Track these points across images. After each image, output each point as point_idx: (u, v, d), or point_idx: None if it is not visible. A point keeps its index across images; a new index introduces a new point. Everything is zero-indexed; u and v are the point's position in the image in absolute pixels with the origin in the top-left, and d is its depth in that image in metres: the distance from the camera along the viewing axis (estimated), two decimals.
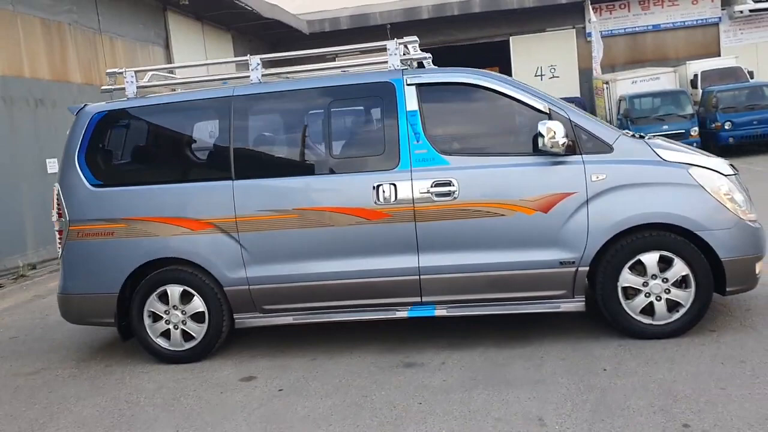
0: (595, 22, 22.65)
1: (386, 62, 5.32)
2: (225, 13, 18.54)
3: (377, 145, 5.18)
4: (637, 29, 23.95)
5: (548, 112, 4.99)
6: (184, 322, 5.42)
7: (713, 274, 4.88)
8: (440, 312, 5.16)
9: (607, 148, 4.96)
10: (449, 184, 5.00)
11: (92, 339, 6.30)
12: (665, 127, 18.30)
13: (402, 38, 5.40)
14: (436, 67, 5.49)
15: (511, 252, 5.01)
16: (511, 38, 24.10)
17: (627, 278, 4.94)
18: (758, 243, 4.97)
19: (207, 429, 4.20)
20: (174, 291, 5.40)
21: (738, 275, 4.92)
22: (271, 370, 5.10)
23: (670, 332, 4.94)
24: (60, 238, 5.54)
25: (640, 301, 4.95)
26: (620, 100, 19.89)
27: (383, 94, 5.17)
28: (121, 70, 5.62)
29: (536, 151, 4.90)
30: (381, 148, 5.15)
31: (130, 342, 5.62)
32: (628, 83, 20.40)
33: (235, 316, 5.39)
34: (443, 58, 26.02)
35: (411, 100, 5.13)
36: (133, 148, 5.68)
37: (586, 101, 23.17)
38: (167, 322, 5.44)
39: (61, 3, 12.51)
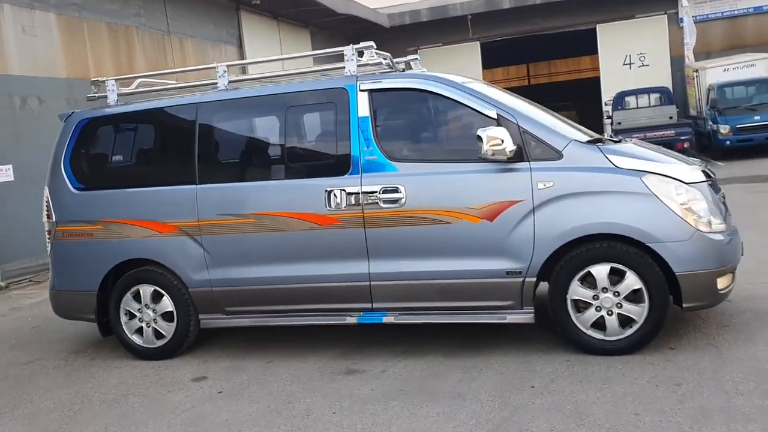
0: (687, 6, 21.39)
1: (376, 64, 5.33)
2: (301, 10, 18.90)
3: (330, 151, 5.21)
4: (736, 12, 22.41)
5: (496, 117, 4.84)
6: (155, 321, 5.66)
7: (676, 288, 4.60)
8: (388, 319, 5.13)
9: (556, 155, 4.75)
10: (397, 190, 4.95)
11: (95, 332, 6.67)
12: (757, 117, 17.17)
13: (358, 44, 5.36)
14: (415, 70, 5.46)
15: (458, 260, 4.91)
16: (597, 26, 23.14)
17: (577, 291, 4.73)
18: (720, 256, 4.62)
19: (131, 428, 4.38)
20: (146, 290, 5.65)
21: (695, 290, 4.60)
22: (225, 371, 5.24)
23: (622, 348, 4.69)
24: (48, 238, 5.92)
25: (591, 315, 4.73)
26: (709, 89, 18.76)
27: (337, 100, 5.17)
28: (103, 79, 5.91)
29: (482, 157, 4.76)
30: (334, 153, 5.16)
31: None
32: (719, 71, 19.15)
33: (201, 316, 5.57)
34: (526, 48, 25.67)
35: (363, 106, 5.10)
36: (111, 153, 5.97)
37: (677, 90, 22.01)
38: (140, 320, 5.70)
39: (129, 8, 13.20)
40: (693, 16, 21.89)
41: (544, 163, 4.75)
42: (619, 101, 20.45)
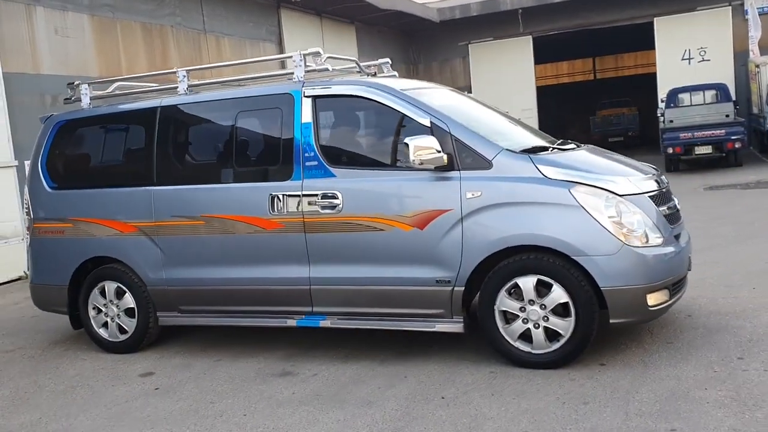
0: None
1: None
2: (346, 6, 19.03)
3: (275, 156, 5.29)
4: None
5: (430, 126, 4.82)
6: (119, 316, 5.89)
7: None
8: (325, 324, 5.20)
9: (486, 164, 4.69)
10: (334, 197, 5.00)
11: None
12: None
13: (306, 50, 5.42)
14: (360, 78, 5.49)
15: (391, 267, 4.92)
16: (655, 19, 22.29)
17: (504, 302, 4.67)
18: (651, 272, 4.48)
19: (61, 420, 4.59)
20: (110, 287, 5.89)
21: (622, 306, 4.48)
22: (174, 368, 5.41)
23: (548, 362, 4.61)
24: (27, 234, 6.24)
25: (518, 326, 4.66)
26: None
27: (284, 106, 5.25)
28: (78, 82, 6.17)
29: (410, 166, 4.75)
30: (278, 159, 5.25)
31: None
32: None
33: (159, 314, 5.77)
34: (579, 42, 24.97)
35: (306, 112, 5.17)
36: (80, 154, 6.23)
37: (741, 87, 21.07)
38: (106, 314, 5.94)
39: (164, 8, 13.62)
40: (758, 8, 20.89)
41: (473, 173, 4.71)
42: (672, 98, 19.71)
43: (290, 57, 5.43)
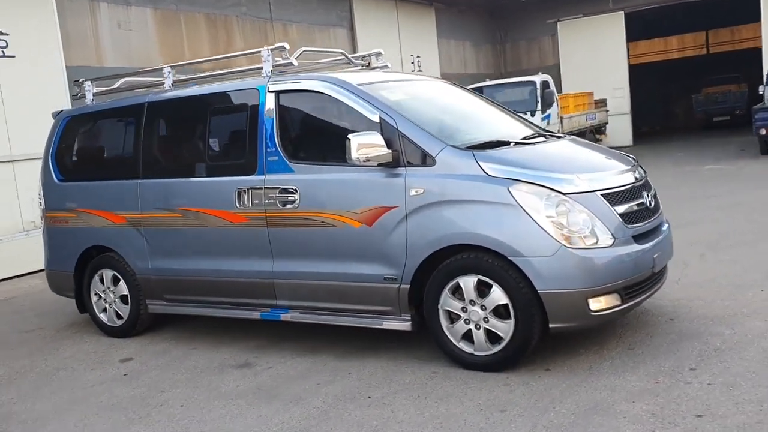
0: None
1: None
2: None
3: (242, 151, 5.37)
4: None
5: (378, 122, 4.75)
6: (115, 302, 6.20)
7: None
8: (286, 317, 5.27)
9: (430, 161, 4.58)
10: (292, 192, 5.04)
11: None
12: None
13: (273, 45, 5.44)
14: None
15: (343, 264, 4.92)
16: None
17: (447, 301, 4.57)
18: (593, 275, 4.23)
19: (28, 402, 4.89)
20: (107, 274, 6.21)
21: (560, 310, 4.27)
22: (151, 355, 5.64)
23: (489, 365, 4.47)
24: (42, 222, 6.67)
25: (460, 327, 4.55)
26: None
27: (251, 101, 5.33)
28: (82, 80, 6.50)
29: (353, 163, 4.70)
30: (244, 153, 5.33)
31: None
32: None
33: (147, 301, 6.02)
34: (687, 16, 23.38)
35: (269, 107, 5.22)
36: (83, 147, 6.55)
37: None
38: (105, 300, 6.27)
39: None
40: None
41: (417, 170, 4.62)
42: None
43: (258, 52, 5.46)
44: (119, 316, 6.21)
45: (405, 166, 4.65)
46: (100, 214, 6.13)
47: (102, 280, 6.26)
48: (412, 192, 4.59)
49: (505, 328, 4.38)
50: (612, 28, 22.81)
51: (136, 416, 4.42)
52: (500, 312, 4.40)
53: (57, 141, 6.53)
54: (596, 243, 4.30)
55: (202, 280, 5.62)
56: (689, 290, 5.82)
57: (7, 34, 9.88)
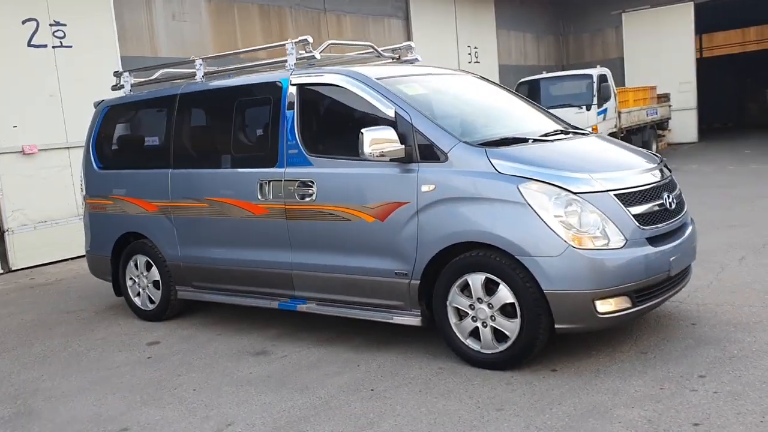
0: None
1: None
2: None
3: (265, 143, 5.47)
4: None
5: (394, 116, 4.76)
6: (147, 287, 6.42)
7: None
8: (302, 308, 5.35)
9: (442, 157, 4.58)
10: (310, 185, 5.11)
11: None
12: None
13: (296, 38, 5.50)
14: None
15: (356, 257, 4.97)
16: None
17: (456, 298, 4.56)
18: (601, 277, 4.16)
19: (55, 380, 5.11)
20: (141, 260, 6.43)
21: (566, 311, 4.21)
22: (177, 339, 5.82)
23: (496, 363, 4.45)
24: (83, 209, 6.95)
25: (468, 324, 4.55)
26: None
27: (273, 94, 5.41)
28: (121, 71, 6.72)
29: (365, 158, 4.72)
30: (267, 146, 5.43)
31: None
32: None
33: (177, 287, 6.21)
34: (760, 6, 22.26)
35: (291, 100, 5.30)
36: (120, 137, 6.78)
37: None
38: (138, 285, 6.50)
39: None
40: None
41: (429, 165, 4.62)
42: None
43: (283, 45, 5.54)
44: (151, 301, 6.42)
45: (418, 162, 4.65)
46: (135, 201, 6.34)
47: (136, 266, 6.48)
48: (424, 188, 4.60)
49: (511, 327, 4.35)
50: (680, 19, 22.10)
51: (150, 398, 4.58)
52: (507, 311, 4.37)
53: (97, 130, 6.78)
54: (607, 244, 4.22)
55: (226, 269, 5.76)
56: (719, 294, 5.65)
57: (65, 25, 10.26)
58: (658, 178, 4.69)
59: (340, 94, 5.13)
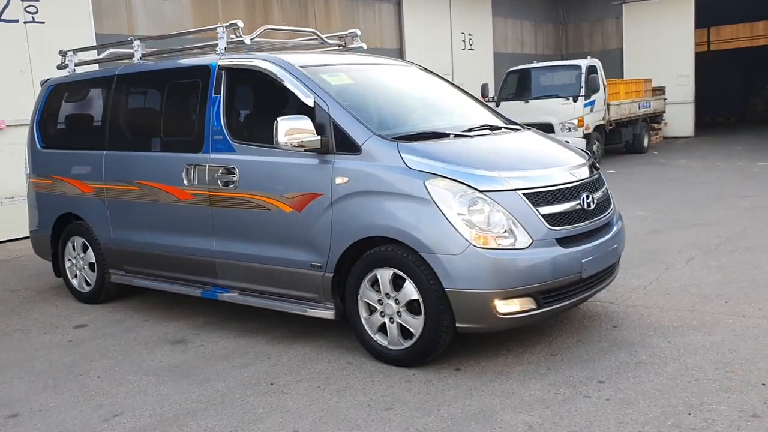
0: None
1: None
2: None
3: (192, 128, 5.38)
4: None
5: (313, 106, 4.67)
6: (83, 269, 6.38)
7: None
8: (224, 297, 5.29)
9: (356, 150, 4.48)
10: (234, 172, 5.03)
11: None
12: None
13: (228, 22, 5.39)
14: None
15: (275, 247, 4.89)
16: None
17: (366, 293, 4.49)
18: (500, 276, 4.06)
19: None
20: (78, 242, 6.38)
21: (467, 311, 4.13)
22: (104, 324, 5.75)
23: (400, 360, 4.39)
24: (27, 187, 6.91)
25: (377, 319, 4.48)
26: None
27: (203, 78, 5.32)
28: (66, 50, 6.65)
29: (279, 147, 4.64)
30: (194, 130, 5.34)
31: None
32: None
33: (111, 271, 6.16)
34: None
35: (217, 85, 5.21)
36: (61, 116, 6.69)
37: None
38: (75, 266, 6.46)
39: None
40: None
41: (344, 157, 4.53)
42: None
43: (215, 29, 5.44)
44: (87, 283, 6.38)
45: (334, 153, 4.56)
46: (73, 182, 6.28)
47: (74, 247, 6.44)
48: (338, 180, 4.51)
49: (416, 324, 4.28)
50: (680, 12, 21.77)
51: (53, 384, 4.53)
52: (413, 307, 4.29)
53: (41, 109, 6.72)
54: (513, 244, 4.12)
55: (154, 254, 5.70)
56: (653, 297, 5.55)
57: (38, 0, 10.17)
58: (577, 178, 4.57)
59: (264, 80, 5.03)
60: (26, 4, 10.19)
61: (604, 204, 4.79)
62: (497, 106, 15.84)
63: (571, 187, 4.49)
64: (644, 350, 4.42)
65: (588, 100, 15.23)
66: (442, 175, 4.20)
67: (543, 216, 4.24)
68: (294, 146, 4.52)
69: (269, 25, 5.96)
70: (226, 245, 5.18)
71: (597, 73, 15.62)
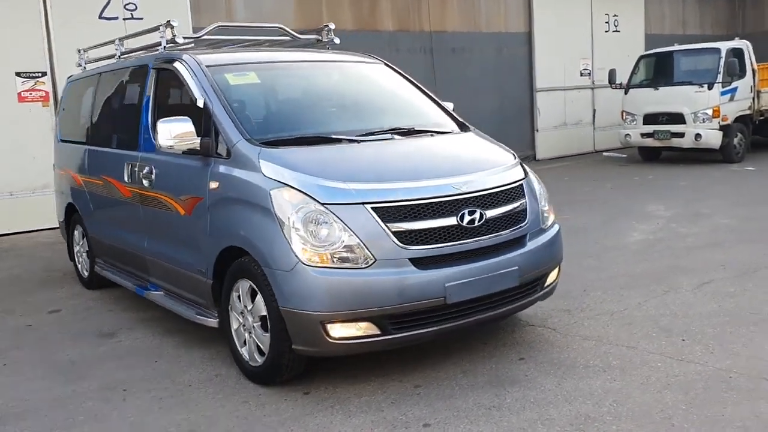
0: None
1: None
2: None
3: (132, 126, 5.46)
4: None
5: (202, 106, 4.54)
6: (83, 255, 6.77)
7: None
8: (148, 295, 5.36)
9: (228, 153, 4.30)
10: (152, 172, 5.06)
11: None
12: None
13: (167, 21, 5.37)
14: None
15: (178, 249, 4.86)
16: None
17: (233, 303, 4.31)
18: (328, 298, 3.69)
19: None
20: (79, 230, 6.78)
21: (299, 332, 3.81)
22: (78, 309, 6.06)
23: (256, 376, 4.17)
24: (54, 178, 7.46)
25: (241, 332, 4.28)
26: None
27: (143, 77, 5.39)
28: (80, 48, 7.04)
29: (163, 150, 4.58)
30: (133, 129, 5.43)
31: None
32: None
33: (96, 260, 6.47)
34: None
35: (150, 85, 5.25)
36: (71, 111, 7.06)
37: None
38: (79, 253, 6.88)
39: None
40: None
41: (219, 161, 4.37)
42: None
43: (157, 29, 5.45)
44: (86, 269, 6.76)
45: (214, 157, 4.41)
46: (72, 174, 6.67)
47: (76, 235, 6.86)
48: (212, 185, 4.36)
49: (266, 341, 4.03)
50: None
51: None
52: (265, 323, 4.04)
53: (62, 104, 7.19)
54: (351, 262, 3.72)
55: (114, 246, 5.91)
56: (608, 326, 4.81)
57: None
58: (460, 191, 4.01)
59: (176, 79, 4.95)
60: (125, 1, 10.95)
61: (504, 221, 4.17)
62: (626, 93, 14.55)
63: (445, 202, 3.94)
64: (520, 392, 3.82)
65: (727, 88, 13.46)
66: (289, 185, 3.89)
67: (394, 233, 3.78)
68: (169, 148, 4.44)
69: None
70: (152, 243, 5.22)
71: (741, 57, 13.75)
